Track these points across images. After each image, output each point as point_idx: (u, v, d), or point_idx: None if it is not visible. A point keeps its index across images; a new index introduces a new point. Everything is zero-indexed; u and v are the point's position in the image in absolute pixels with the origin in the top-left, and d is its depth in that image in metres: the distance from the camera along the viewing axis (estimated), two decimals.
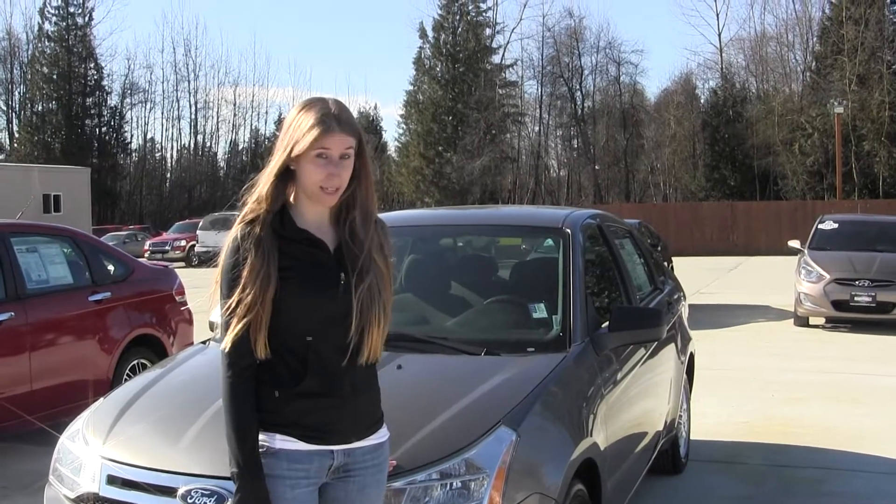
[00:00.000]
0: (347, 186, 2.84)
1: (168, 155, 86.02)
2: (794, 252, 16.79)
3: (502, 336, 4.57)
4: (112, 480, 3.68)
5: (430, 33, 69.50)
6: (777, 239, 16.69)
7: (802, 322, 15.51)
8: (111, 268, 8.66)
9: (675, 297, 7.10)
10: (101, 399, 4.43)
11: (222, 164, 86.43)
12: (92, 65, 76.85)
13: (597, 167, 75.82)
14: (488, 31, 71.11)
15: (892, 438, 7.84)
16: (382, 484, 3.02)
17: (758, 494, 6.43)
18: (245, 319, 2.76)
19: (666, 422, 6.18)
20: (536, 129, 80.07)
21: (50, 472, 4.03)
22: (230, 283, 2.80)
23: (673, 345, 6.41)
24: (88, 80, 76.44)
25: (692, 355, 7.28)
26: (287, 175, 2.86)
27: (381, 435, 2.99)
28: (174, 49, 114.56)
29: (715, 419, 8.45)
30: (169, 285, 9.22)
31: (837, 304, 14.86)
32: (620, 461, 4.75)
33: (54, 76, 74.50)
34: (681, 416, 6.77)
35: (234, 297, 2.77)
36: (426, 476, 3.36)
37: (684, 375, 6.87)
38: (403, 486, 3.33)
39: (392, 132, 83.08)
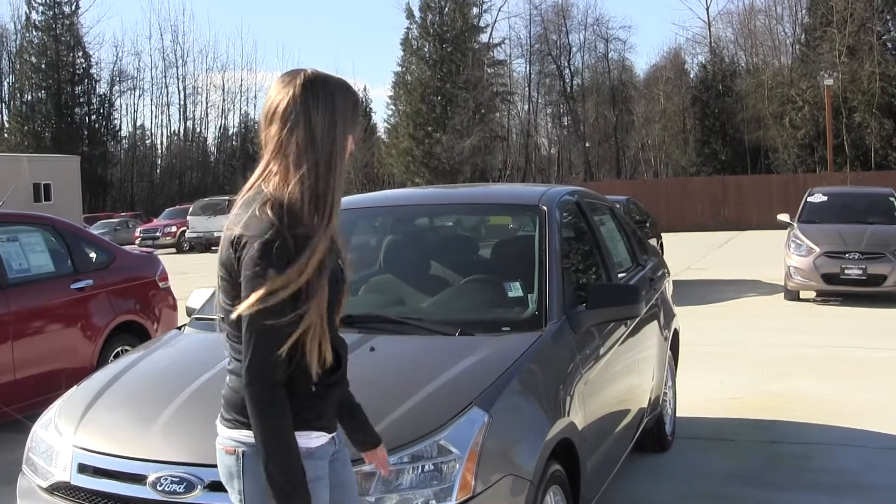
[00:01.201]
0: None
1: (158, 142, 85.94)
2: (784, 226, 16.74)
3: (477, 316, 4.52)
4: (83, 469, 3.66)
5: (416, 13, 69.29)
6: (768, 213, 16.69)
7: (793, 296, 15.47)
8: (93, 255, 8.60)
9: (659, 273, 7.05)
10: (75, 387, 4.39)
11: (213, 149, 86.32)
12: (80, 53, 76.84)
13: (587, 144, 75.75)
14: (475, 10, 70.84)
15: (883, 413, 7.81)
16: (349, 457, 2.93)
17: (744, 471, 6.39)
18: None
19: (650, 399, 6.14)
20: (526, 107, 79.96)
21: (23, 462, 4.00)
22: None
23: (655, 322, 6.36)
24: (77, 69, 76.42)
25: (676, 332, 7.23)
26: None
27: None
28: (162, 35, 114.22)
29: (703, 395, 8.42)
30: (152, 271, 9.16)
31: (828, 278, 14.81)
32: (601, 440, 4.72)
33: (43, 65, 74.48)
34: (665, 393, 6.73)
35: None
36: (397, 459, 3.33)
37: (669, 352, 6.82)
38: (373, 470, 3.29)
39: (381, 114, 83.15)
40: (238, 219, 2.57)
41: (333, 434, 2.77)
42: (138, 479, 3.47)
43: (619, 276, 5.82)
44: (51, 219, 8.60)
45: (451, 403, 3.54)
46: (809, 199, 17.04)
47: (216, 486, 3.37)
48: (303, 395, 2.60)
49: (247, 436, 2.60)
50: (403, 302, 4.90)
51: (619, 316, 4.62)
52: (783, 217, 16.69)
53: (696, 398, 8.26)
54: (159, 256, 9.93)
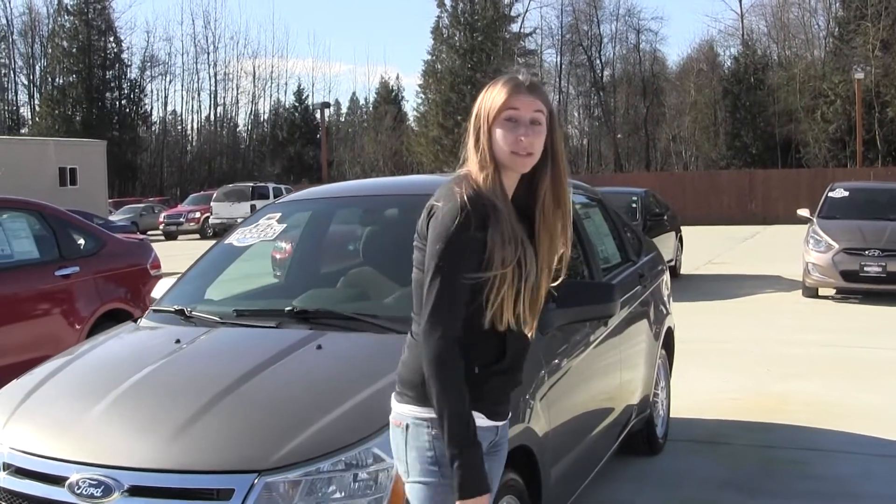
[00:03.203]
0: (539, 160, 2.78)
1: (188, 127, 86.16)
2: (805, 221, 16.38)
3: None
4: (6, 468, 3.48)
5: (448, 2, 68.92)
6: (795, 207, 16.40)
7: (811, 293, 15.11)
8: (81, 241, 8.45)
9: (653, 269, 6.77)
10: (15, 380, 4.21)
11: (243, 135, 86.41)
12: (111, 38, 77.27)
13: (618, 136, 75.19)
14: (506, 0, 70.39)
15: (889, 416, 7.52)
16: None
17: (735, 477, 6.12)
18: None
19: (637, 400, 5.89)
20: (556, 98, 79.43)
21: None
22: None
23: (645, 319, 6.10)
24: (108, 54, 76.82)
25: (671, 330, 6.94)
26: None
27: None
28: (193, 21, 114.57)
29: (703, 395, 8.16)
30: (143, 259, 9.01)
31: (846, 275, 14.42)
32: (573, 444, 4.49)
33: (74, 50, 74.86)
34: (657, 393, 6.47)
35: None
36: (329, 465, 3.13)
37: (661, 351, 6.54)
38: (299, 479, 3.09)
39: (412, 102, 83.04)
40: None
41: (496, 424, 2.84)
42: (58, 480, 3.29)
43: (604, 272, 5.57)
44: (38, 204, 8.45)
45: (389, 407, 3.31)
46: (830, 194, 16.65)
47: (137, 492, 3.19)
48: (465, 373, 2.68)
49: (411, 410, 2.73)
50: (367, 297, 4.68)
51: (590, 315, 4.33)
52: (803, 212, 16.30)
53: (696, 398, 8.00)
54: (185, 241, 9.74)
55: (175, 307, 4.61)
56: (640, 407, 6.00)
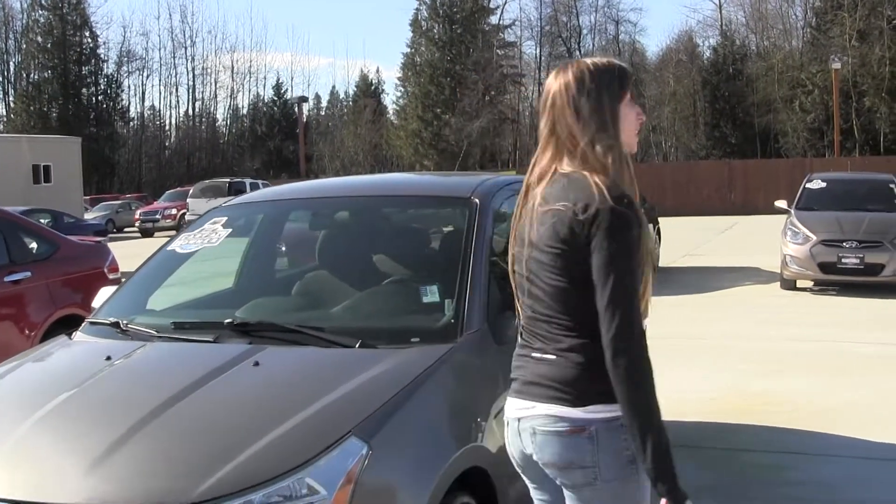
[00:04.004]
0: None
1: (166, 123, 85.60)
2: (783, 212, 16.19)
3: (385, 324, 4.00)
4: None
5: None
6: (775, 198, 16.26)
7: (789, 285, 14.92)
8: (33, 245, 8.14)
9: None
10: None
11: (222, 130, 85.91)
12: (87, 33, 76.60)
13: None
14: None
15: (870, 416, 7.31)
16: None
17: (716, 484, 5.87)
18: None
19: None
20: (536, 89, 79.16)
21: None
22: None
23: None
24: (84, 49, 76.27)
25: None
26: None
27: None
28: (170, 15, 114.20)
29: (681, 395, 7.87)
30: (100, 262, 8.70)
31: (824, 267, 14.24)
32: None
33: (49, 45, 74.18)
34: None
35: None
36: (261, 498, 2.85)
37: None
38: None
39: (392, 95, 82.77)
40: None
41: None
42: None
43: None
44: None
45: (326, 432, 3.04)
46: (808, 185, 16.48)
47: None
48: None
49: (601, 412, 2.58)
50: (319, 305, 4.40)
51: None
52: (780, 203, 16.12)
53: (674, 398, 7.71)
54: (162, 238, 9.47)
55: (111, 319, 4.32)
56: None
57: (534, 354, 2.72)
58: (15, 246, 7.86)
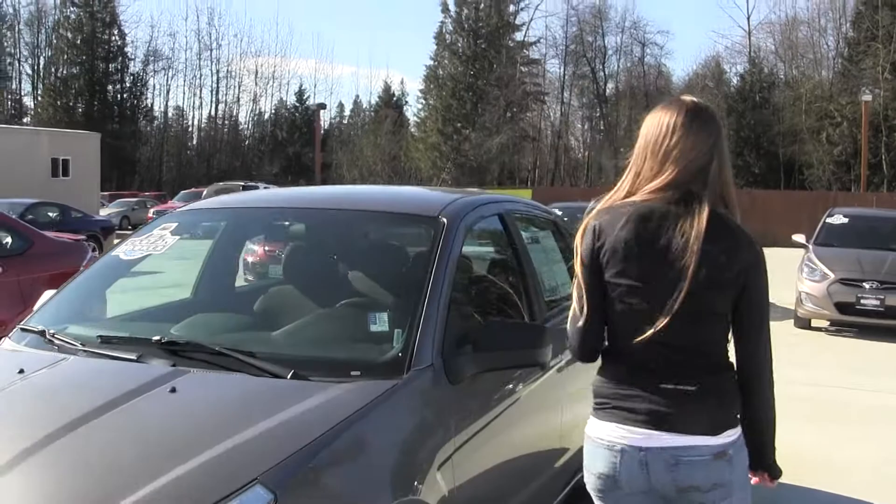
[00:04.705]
0: None
1: (189, 123, 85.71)
2: (800, 247, 15.62)
3: (325, 354, 3.56)
4: None
5: (452, 7, 68.50)
6: (796, 231, 15.66)
7: (803, 324, 14.33)
8: (7, 241, 7.78)
9: None
10: None
11: (244, 133, 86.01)
12: (115, 31, 77.01)
13: (620, 149, 74.46)
14: (512, 8, 70.00)
15: (881, 474, 6.82)
16: None
17: None
18: None
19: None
20: (558, 109, 78.79)
21: None
22: None
23: None
24: (111, 47, 76.72)
25: None
26: None
27: None
28: (198, 17, 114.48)
29: None
30: (78, 260, 8.37)
31: (842, 307, 13.62)
32: None
33: (78, 41, 74.60)
34: None
35: None
36: None
37: None
38: None
39: (414, 107, 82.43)
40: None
41: None
42: None
43: (551, 305, 4.87)
44: None
45: (229, 477, 2.62)
46: (828, 220, 15.86)
47: None
48: None
49: (728, 435, 2.80)
50: (263, 326, 3.99)
51: (514, 362, 3.60)
52: (798, 238, 15.54)
53: None
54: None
55: (39, 327, 3.93)
56: None
57: (664, 385, 2.78)
58: None
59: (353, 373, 3.30)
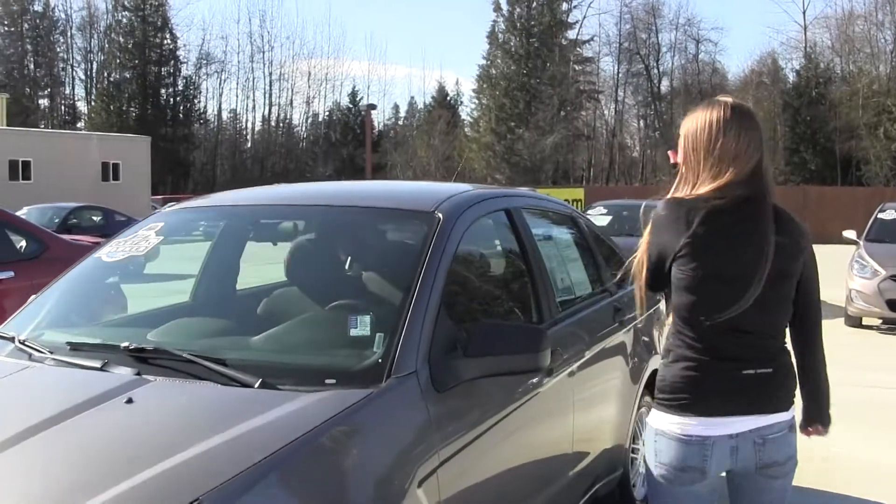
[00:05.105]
0: None
1: (242, 126, 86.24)
2: (851, 243, 15.14)
3: (297, 360, 3.31)
4: None
5: (504, 7, 68.23)
6: (851, 227, 15.23)
7: (854, 322, 13.94)
8: (22, 244, 7.64)
9: None
10: None
11: (297, 136, 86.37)
12: (167, 35, 77.67)
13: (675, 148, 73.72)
14: (564, 6, 69.50)
15: None
16: None
17: None
18: None
19: (605, 458, 4.91)
20: (612, 107, 78.13)
21: None
22: None
23: (620, 357, 5.10)
24: (164, 50, 77.45)
25: (656, 373, 5.89)
26: None
27: None
28: (249, 20, 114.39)
29: None
30: None
31: (893, 304, 13.21)
32: None
33: (130, 45, 75.35)
34: (635, 449, 5.46)
35: None
36: None
37: (643, 397, 5.47)
38: None
39: (468, 107, 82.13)
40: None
41: None
42: None
43: (564, 306, 4.59)
44: None
45: (169, 498, 2.38)
46: (880, 215, 15.42)
47: None
48: None
49: (792, 409, 3.11)
50: (252, 330, 3.74)
51: (509, 368, 3.31)
52: (849, 234, 15.09)
53: None
54: None
55: (10, 333, 3.72)
56: (609, 465, 5.02)
57: (746, 371, 2.98)
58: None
59: (327, 381, 3.05)
